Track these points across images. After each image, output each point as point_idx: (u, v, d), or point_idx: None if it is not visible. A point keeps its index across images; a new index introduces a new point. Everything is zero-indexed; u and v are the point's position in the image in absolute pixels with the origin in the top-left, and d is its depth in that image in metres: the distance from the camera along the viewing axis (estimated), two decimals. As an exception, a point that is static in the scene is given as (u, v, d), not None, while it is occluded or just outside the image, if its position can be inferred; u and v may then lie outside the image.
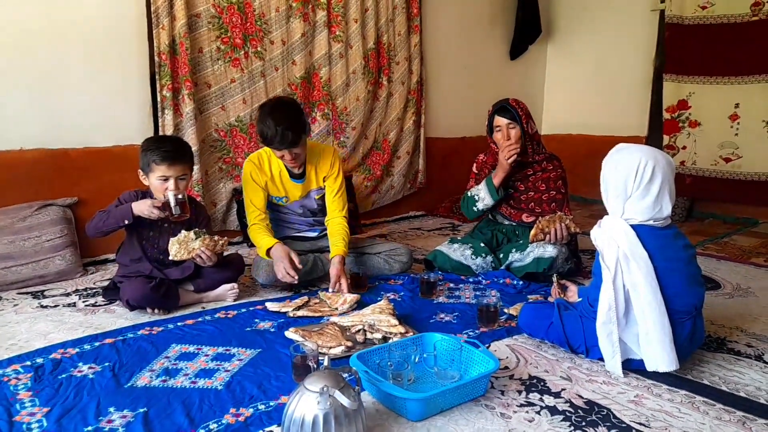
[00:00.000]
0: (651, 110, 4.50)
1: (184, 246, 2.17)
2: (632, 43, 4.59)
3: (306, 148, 2.54)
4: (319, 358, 1.65)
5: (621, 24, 4.65)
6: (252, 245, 3.25)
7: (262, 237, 2.48)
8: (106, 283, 2.51)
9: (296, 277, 2.32)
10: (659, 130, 4.34)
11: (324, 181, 2.65)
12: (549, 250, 2.56)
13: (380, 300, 2.16)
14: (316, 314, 2.20)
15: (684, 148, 4.23)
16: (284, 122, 2.31)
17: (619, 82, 4.72)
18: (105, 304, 2.31)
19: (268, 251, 2.42)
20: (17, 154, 2.71)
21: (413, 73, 4.14)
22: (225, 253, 2.38)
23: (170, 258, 2.18)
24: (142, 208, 2.16)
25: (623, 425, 1.46)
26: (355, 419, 1.29)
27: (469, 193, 2.83)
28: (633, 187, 1.67)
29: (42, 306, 2.30)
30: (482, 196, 2.75)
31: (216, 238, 2.25)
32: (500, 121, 2.69)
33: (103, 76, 2.88)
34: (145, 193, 2.30)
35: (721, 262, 3.10)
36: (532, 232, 2.50)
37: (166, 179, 2.19)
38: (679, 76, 4.18)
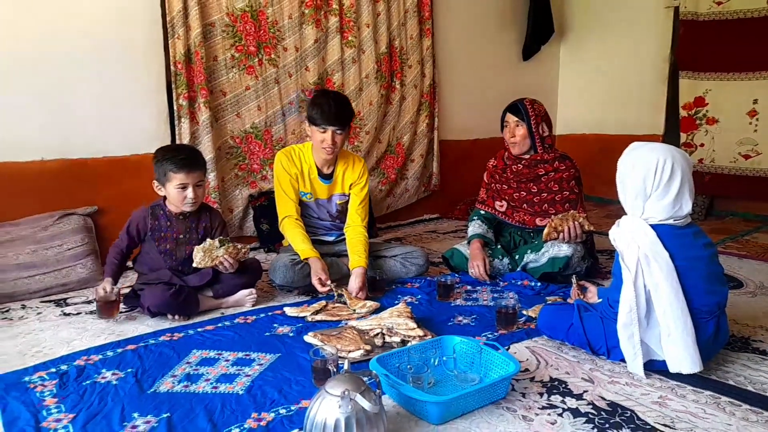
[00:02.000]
0: (667, 108, 4.45)
1: (208, 254, 2.21)
2: (646, 40, 4.54)
3: (343, 146, 2.59)
4: (339, 362, 1.66)
5: (634, 21, 4.60)
6: (269, 251, 3.28)
7: (298, 239, 2.50)
8: (126, 291, 2.54)
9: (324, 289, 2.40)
10: (676, 127, 4.29)
11: (350, 189, 2.68)
12: (564, 249, 2.55)
13: (398, 303, 2.16)
14: (334, 318, 2.21)
15: (702, 145, 4.18)
16: (340, 103, 2.48)
17: (633, 80, 4.66)
18: (126, 311, 2.34)
19: (305, 258, 2.47)
20: (38, 165, 2.76)
21: (426, 76, 4.14)
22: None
23: (194, 265, 2.22)
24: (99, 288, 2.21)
25: (648, 427, 1.44)
26: (376, 423, 1.30)
27: (470, 217, 2.91)
28: (652, 187, 1.65)
29: (65, 314, 2.34)
30: (468, 233, 2.85)
31: (239, 246, 2.28)
32: (509, 118, 2.75)
33: (121, 86, 2.92)
34: (156, 206, 2.33)
35: (743, 260, 3.05)
36: (545, 231, 2.49)
37: (185, 187, 2.22)
38: (695, 72, 4.13)
